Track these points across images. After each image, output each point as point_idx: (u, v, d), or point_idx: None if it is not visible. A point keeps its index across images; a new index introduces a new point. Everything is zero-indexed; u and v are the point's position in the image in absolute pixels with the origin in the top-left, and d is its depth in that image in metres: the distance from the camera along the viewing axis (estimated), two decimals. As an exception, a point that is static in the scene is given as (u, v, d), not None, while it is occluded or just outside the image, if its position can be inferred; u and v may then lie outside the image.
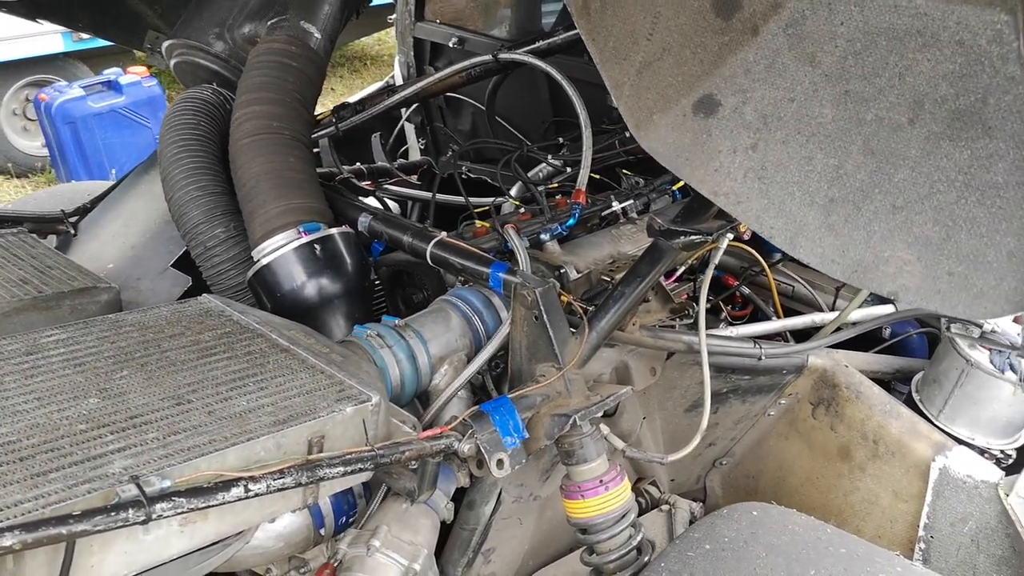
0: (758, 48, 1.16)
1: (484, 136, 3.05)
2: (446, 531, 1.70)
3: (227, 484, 1.16)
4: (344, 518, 1.57)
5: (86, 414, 1.25)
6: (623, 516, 1.62)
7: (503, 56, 2.25)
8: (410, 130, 3.54)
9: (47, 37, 5.47)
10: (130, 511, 1.06)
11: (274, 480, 1.20)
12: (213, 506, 1.15)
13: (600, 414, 1.60)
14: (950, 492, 1.84)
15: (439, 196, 2.30)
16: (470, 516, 1.66)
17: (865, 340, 2.21)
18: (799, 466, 2.12)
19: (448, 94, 3.11)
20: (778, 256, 2.39)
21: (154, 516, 1.07)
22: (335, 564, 1.48)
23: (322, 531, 1.55)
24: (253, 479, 1.18)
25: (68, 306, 1.62)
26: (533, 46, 2.32)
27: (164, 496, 1.09)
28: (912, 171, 1.06)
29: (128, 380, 1.35)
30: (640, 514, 1.94)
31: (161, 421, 1.26)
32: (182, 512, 1.12)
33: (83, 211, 2.19)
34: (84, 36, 5.65)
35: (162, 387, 1.34)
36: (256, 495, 1.18)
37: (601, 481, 1.60)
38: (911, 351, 2.33)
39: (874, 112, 1.09)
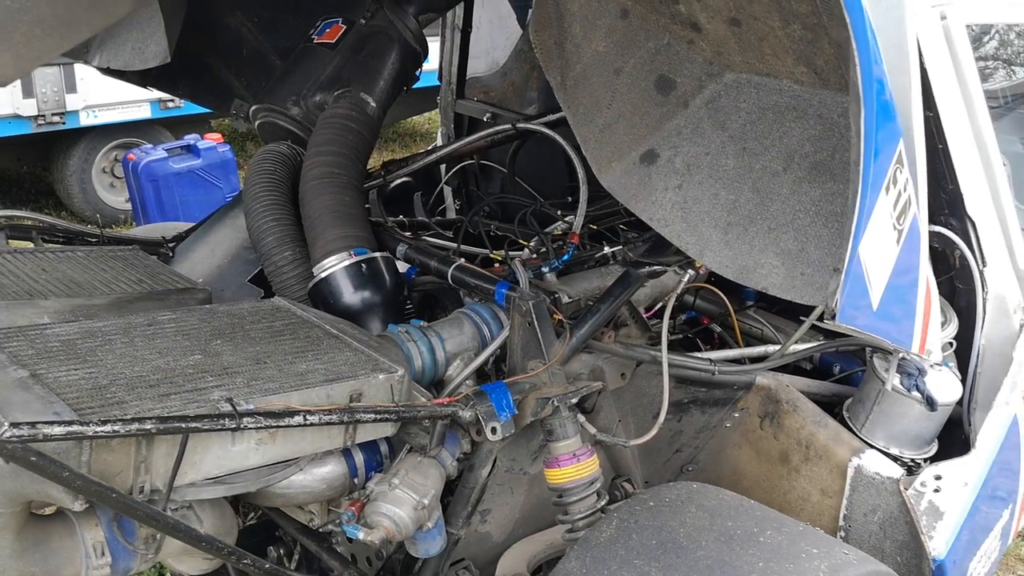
0: (687, 117, 1.58)
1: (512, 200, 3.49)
2: (452, 492, 2.07)
3: (291, 413, 1.56)
4: (372, 471, 1.95)
5: (192, 364, 1.66)
6: (591, 483, 2.00)
7: (521, 125, 2.69)
8: (448, 192, 3.99)
9: (137, 106, 6.07)
10: (226, 420, 1.46)
11: (324, 415, 1.60)
12: (280, 427, 1.55)
13: (575, 400, 1.99)
14: (863, 488, 2.18)
15: (466, 247, 2.71)
16: (470, 477, 2.03)
17: (824, 375, 2.57)
18: (749, 470, 2.46)
19: (482, 162, 3.57)
20: (751, 303, 2.80)
21: (241, 426, 1.47)
22: (364, 500, 1.86)
23: (355, 480, 1.93)
24: (309, 412, 1.58)
25: (174, 299, 2.05)
26: (547, 118, 2.76)
27: (249, 414, 1.49)
28: (783, 204, 1.46)
29: (221, 346, 1.77)
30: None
31: (245, 372, 1.67)
32: (260, 428, 1.52)
33: (179, 238, 2.64)
34: (170, 105, 6.24)
35: (245, 352, 1.75)
36: (311, 424, 1.58)
37: (574, 455, 1.98)
38: (856, 383, 2.68)
39: (761, 163, 1.50)
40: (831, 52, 1.37)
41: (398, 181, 3.14)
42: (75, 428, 1.29)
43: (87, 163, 6.06)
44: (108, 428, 1.32)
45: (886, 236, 1.34)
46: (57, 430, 1.27)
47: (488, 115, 3.53)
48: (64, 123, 5.69)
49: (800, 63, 1.45)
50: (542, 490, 2.20)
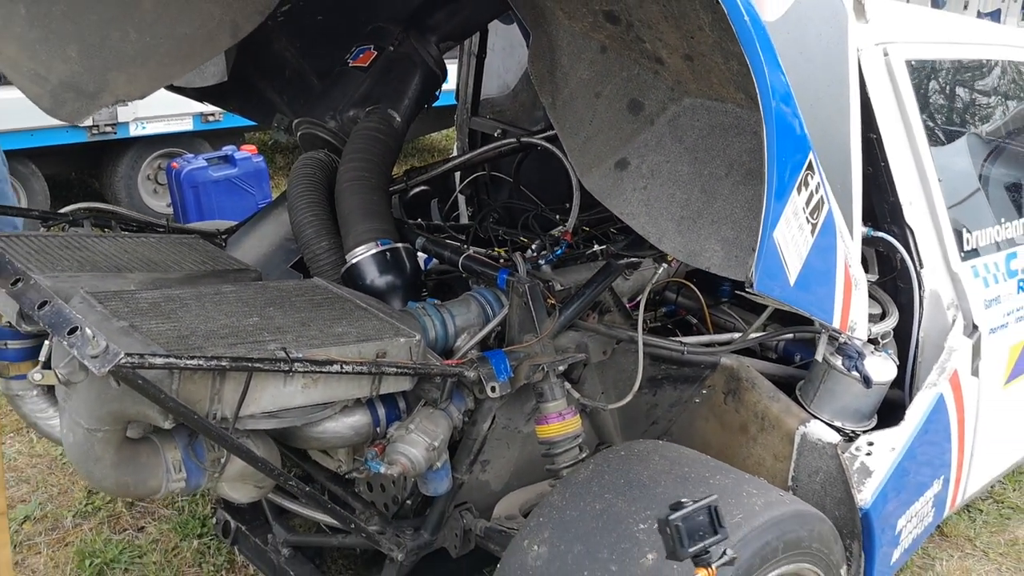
0: (652, 132, 1.94)
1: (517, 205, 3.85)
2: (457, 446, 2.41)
3: (331, 362, 1.91)
4: (392, 422, 2.30)
5: (251, 324, 2.02)
6: (575, 438, 2.34)
7: (524, 139, 3.06)
8: (461, 200, 4.35)
9: (181, 119, 6.48)
10: (281, 363, 1.81)
11: (356, 366, 1.95)
12: (322, 372, 1.90)
13: (563, 368, 2.34)
14: (807, 452, 2.51)
15: (475, 248, 3.06)
16: (473, 430, 2.37)
17: (787, 364, 2.90)
18: (715, 440, 2.80)
19: (492, 173, 3.94)
20: (724, 299, 3.15)
21: (292, 370, 1.83)
22: (385, 443, 2.21)
23: (378, 429, 2.27)
24: (345, 362, 1.93)
25: (232, 277, 2.41)
26: (547, 133, 3.12)
27: (299, 360, 1.85)
28: (724, 202, 1.81)
29: (273, 312, 2.12)
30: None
31: (294, 331, 2.02)
32: (307, 372, 1.87)
33: (231, 231, 3.01)
34: (210, 119, 6.64)
35: (293, 317, 2.11)
36: (346, 373, 1.93)
37: (560, 414, 2.33)
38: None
39: (709, 169, 1.86)
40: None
41: (417, 189, 3.51)
42: (171, 360, 1.65)
43: (134, 170, 6.47)
44: (194, 362, 1.68)
45: (799, 226, 1.69)
46: (158, 361, 1.63)
47: (498, 131, 3.89)
48: (115, 133, 6.11)
49: (740, 91, 1.80)
50: (534, 447, 2.54)
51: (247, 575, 3.10)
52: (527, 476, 2.62)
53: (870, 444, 2.48)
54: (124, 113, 6.08)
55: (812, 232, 1.75)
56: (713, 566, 1.49)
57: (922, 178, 2.74)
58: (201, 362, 1.69)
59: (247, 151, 6.54)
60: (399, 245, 2.58)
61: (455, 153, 4.43)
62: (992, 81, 3.30)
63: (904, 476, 2.51)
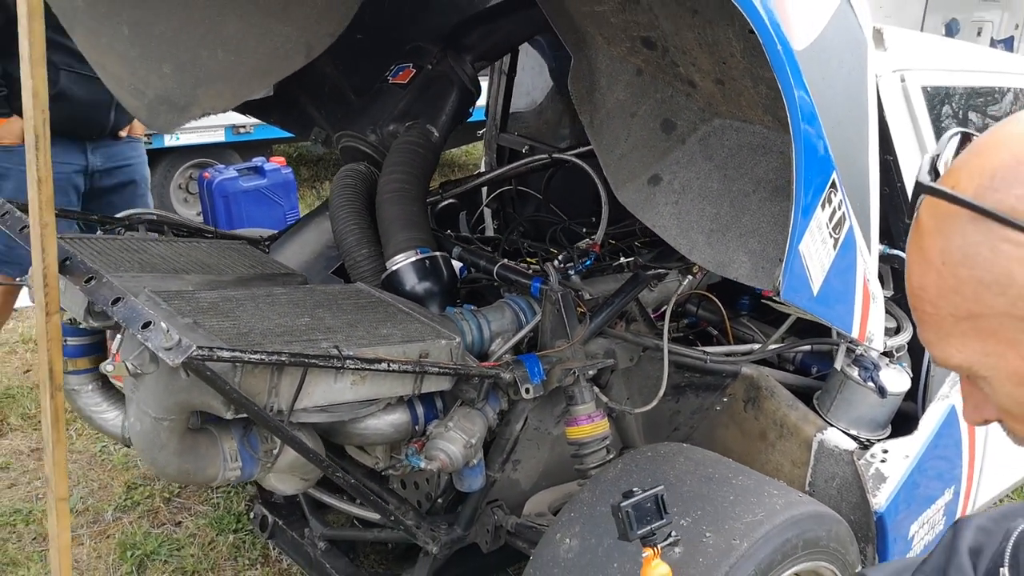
0: (683, 150, 2.06)
1: (543, 218, 3.98)
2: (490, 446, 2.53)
3: (379, 360, 2.03)
4: (430, 421, 2.41)
5: (303, 324, 2.14)
6: (603, 439, 2.45)
7: (556, 155, 3.18)
8: (487, 213, 4.48)
9: (213, 131, 6.64)
10: (334, 360, 1.93)
11: (402, 365, 2.07)
12: (370, 370, 2.02)
13: (592, 373, 2.45)
14: (824, 458, 2.61)
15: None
16: (506, 430, 2.48)
17: (804, 376, 3.00)
18: (735, 447, 2.90)
19: (518, 188, 4.06)
20: (744, 312, 3.26)
21: (344, 366, 1.95)
22: (424, 439, 2.32)
23: (416, 427, 2.39)
24: (392, 361, 2.05)
25: (280, 280, 2.54)
26: (578, 150, 3.24)
27: (350, 358, 1.97)
28: (751, 216, 1.93)
29: (323, 313, 2.25)
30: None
31: (343, 331, 2.14)
32: (357, 368, 1.99)
33: (273, 238, 3.14)
34: (241, 131, 6.81)
35: (341, 318, 2.23)
36: (392, 371, 2.05)
37: (590, 416, 2.44)
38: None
39: (737, 185, 1.97)
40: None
41: (446, 202, 3.64)
42: (237, 354, 1.77)
43: (166, 179, 6.63)
44: (257, 357, 1.80)
45: (823, 240, 1.80)
46: (225, 354, 1.75)
47: (526, 147, 4.01)
48: (151, 143, 6.27)
49: (767, 113, 1.92)
50: (562, 449, 2.65)
51: (280, 569, 3.21)
52: (555, 477, 2.72)
53: (884, 451, 2.58)
54: (159, 124, 6.24)
55: (834, 246, 1.86)
56: (659, 546, 1.64)
57: (937, 199, 2.84)
58: (263, 356, 1.82)
59: (276, 163, 6.69)
60: (437, 254, 2.70)
61: (482, 168, 4.56)
62: (1004, 107, 3.41)
63: (917, 483, 2.61)
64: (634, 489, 1.68)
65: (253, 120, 6.84)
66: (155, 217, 2.84)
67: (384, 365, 2.04)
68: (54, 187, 1.94)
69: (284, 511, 3.02)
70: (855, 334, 2.10)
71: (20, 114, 3.36)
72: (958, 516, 3.05)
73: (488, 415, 2.38)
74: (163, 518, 3.47)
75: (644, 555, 1.64)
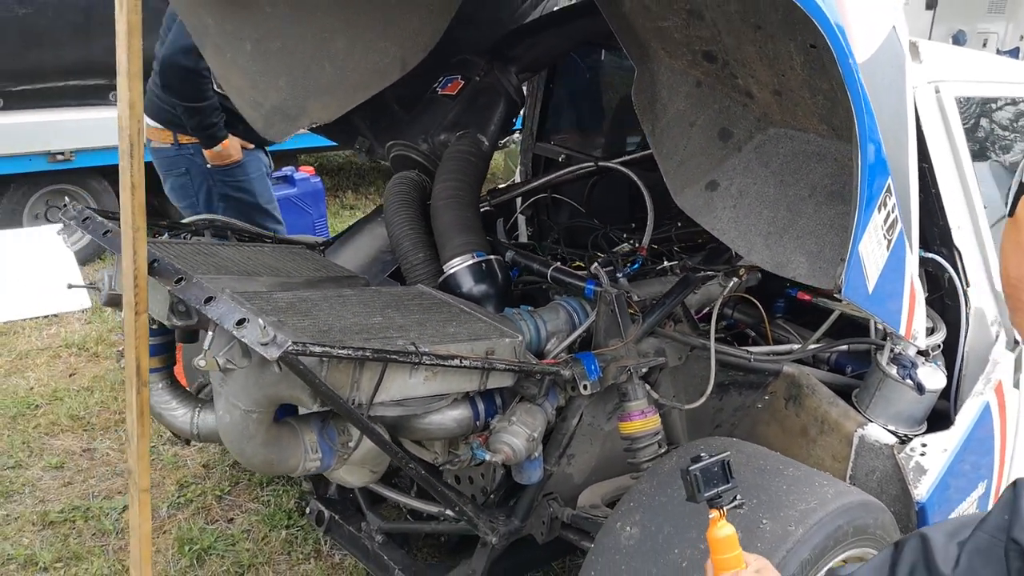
0: (740, 157, 2.16)
1: (571, 228, 4.08)
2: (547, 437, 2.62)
3: (452, 356, 2.13)
4: (490, 417, 2.51)
5: (376, 322, 2.25)
6: (655, 434, 2.55)
7: (601, 163, 3.29)
8: (522, 220, 4.58)
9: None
10: (412, 356, 2.04)
11: (472, 361, 2.17)
12: (444, 366, 2.12)
13: (645, 370, 2.55)
14: (865, 453, 2.70)
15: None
16: (562, 425, 2.58)
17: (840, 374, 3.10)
18: (776, 444, 2.99)
19: (553, 195, 4.17)
20: (779, 315, 3.36)
21: (422, 361, 2.05)
22: (487, 433, 2.42)
23: (478, 423, 2.49)
24: (463, 357, 2.16)
25: (345, 283, 2.65)
26: (623, 159, 3.35)
27: (426, 354, 2.07)
28: (808, 220, 2.03)
29: (392, 313, 2.35)
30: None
31: (414, 330, 2.24)
32: (432, 364, 2.09)
33: (328, 243, 3.25)
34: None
35: (410, 318, 2.34)
36: (463, 367, 2.16)
37: (643, 412, 2.54)
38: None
39: (793, 190, 2.07)
40: (844, 115, 1.95)
41: (483, 210, 3.75)
42: (327, 349, 1.87)
43: (197, 188, 6.75)
44: (344, 352, 1.91)
45: (878, 241, 1.90)
46: (317, 349, 1.86)
47: (562, 156, 4.12)
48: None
49: (823, 122, 2.02)
50: (613, 445, 2.75)
51: (332, 563, 3.31)
52: (604, 471, 2.82)
53: (923, 445, 2.67)
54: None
55: (887, 247, 1.97)
56: (724, 508, 1.73)
57: (968, 204, 2.94)
58: (350, 352, 1.92)
59: (305, 172, 6.81)
60: (492, 257, 2.81)
61: (517, 177, 4.67)
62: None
63: (954, 476, 2.70)
64: (702, 454, 1.77)
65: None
66: (220, 223, 2.95)
67: (456, 361, 2.14)
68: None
69: (339, 506, 3.12)
70: (902, 331, 2.20)
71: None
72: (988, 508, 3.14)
73: (547, 411, 2.48)
74: (215, 515, 3.57)
75: (710, 516, 1.72)
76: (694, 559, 2.11)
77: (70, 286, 2.60)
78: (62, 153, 5.76)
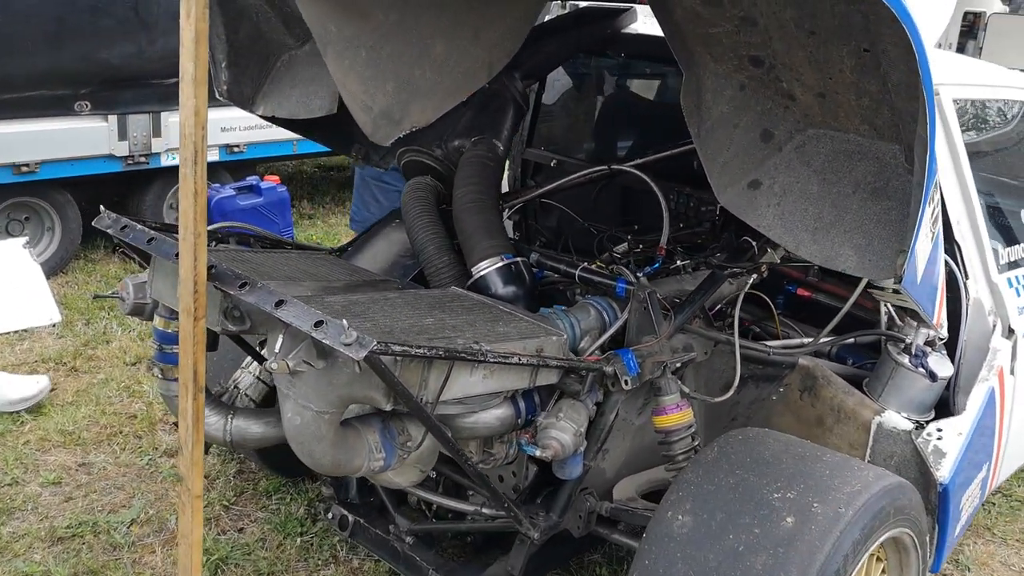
0: (781, 157, 2.25)
1: (567, 231, 4.15)
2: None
3: (512, 354, 2.18)
4: (531, 415, 2.56)
5: (430, 324, 2.28)
6: (688, 428, 2.63)
7: (615, 167, 3.37)
8: (508, 224, 4.63)
9: (209, 150, 6.65)
10: (476, 354, 2.08)
11: (528, 359, 2.22)
12: (504, 363, 2.17)
13: (679, 365, 2.63)
14: (883, 439, 2.82)
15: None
16: (600, 421, 2.64)
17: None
18: (792, 433, 3.08)
19: (542, 200, 4.23)
20: (779, 311, 3.48)
21: (485, 359, 2.09)
22: (533, 430, 2.47)
23: (519, 420, 2.53)
24: (522, 355, 2.21)
25: (381, 286, 2.67)
26: (636, 162, 3.42)
27: (489, 352, 2.11)
28: (854, 216, 2.13)
29: (439, 315, 2.38)
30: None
31: (467, 330, 2.28)
32: (495, 362, 2.13)
33: (342, 249, 3.26)
34: (234, 151, 6.85)
35: (459, 318, 2.37)
36: (517, 364, 2.20)
37: (677, 406, 2.62)
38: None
39: (837, 188, 2.18)
40: (887, 116, 2.06)
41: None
42: (406, 348, 1.90)
43: (160, 199, 6.62)
44: (421, 351, 1.94)
45: (926, 234, 2.01)
46: (397, 348, 1.89)
47: (554, 161, 4.19)
48: (148, 163, 6.29)
49: (864, 123, 2.13)
50: (643, 439, 2.82)
51: (351, 568, 3.32)
52: (634, 465, 2.89)
53: (939, 430, 2.80)
54: (157, 144, 6.26)
55: (931, 240, 2.08)
56: None
57: (966, 200, 3.10)
58: (425, 351, 1.95)
59: (271, 181, 6.76)
60: (519, 259, 2.86)
61: (504, 181, 4.72)
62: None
63: (969, 459, 2.84)
64: None
65: (245, 140, 6.90)
66: (239, 229, 2.94)
67: (515, 359, 2.19)
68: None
69: (362, 510, 3.12)
70: (934, 320, 2.32)
71: None
72: (987, 490, 3.31)
73: (589, 407, 2.54)
74: (225, 525, 3.54)
75: None
76: (750, 543, 2.20)
77: (95, 296, 2.57)
78: (27, 165, 5.62)
